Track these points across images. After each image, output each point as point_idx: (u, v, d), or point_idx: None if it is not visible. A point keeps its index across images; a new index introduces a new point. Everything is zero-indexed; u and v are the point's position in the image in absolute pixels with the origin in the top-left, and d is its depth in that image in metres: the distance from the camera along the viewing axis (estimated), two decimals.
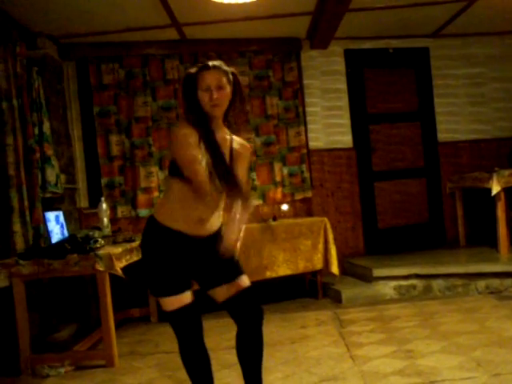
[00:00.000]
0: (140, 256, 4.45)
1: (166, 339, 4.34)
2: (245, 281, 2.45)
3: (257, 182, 5.78)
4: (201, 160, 2.23)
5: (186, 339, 2.38)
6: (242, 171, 2.46)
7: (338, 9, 4.89)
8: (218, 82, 2.30)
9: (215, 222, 2.44)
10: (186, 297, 2.34)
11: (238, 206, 2.21)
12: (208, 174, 2.25)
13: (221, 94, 2.30)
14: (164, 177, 5.43)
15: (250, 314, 2.43)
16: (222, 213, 2.47)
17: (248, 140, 2.64)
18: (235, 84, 2.38)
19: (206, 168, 2.25)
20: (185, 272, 2.38)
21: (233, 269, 2.45)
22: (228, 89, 2.34)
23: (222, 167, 2.26)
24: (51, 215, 4.25)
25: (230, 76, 2.36)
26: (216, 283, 2.45)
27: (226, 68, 2.36)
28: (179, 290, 2.33)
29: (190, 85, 2.35)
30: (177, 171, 2.30)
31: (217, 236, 2.41)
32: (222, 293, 2.44)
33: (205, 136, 2.28)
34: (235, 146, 2.48)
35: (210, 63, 2.34)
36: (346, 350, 3.64)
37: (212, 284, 2.46)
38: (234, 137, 2.50)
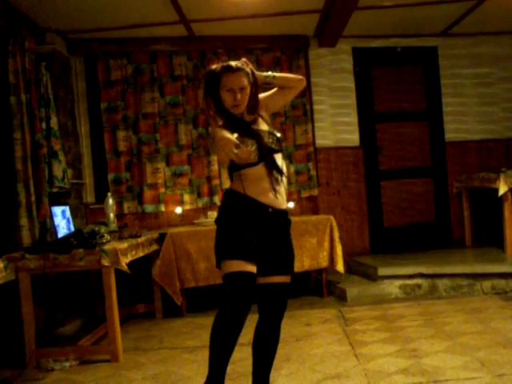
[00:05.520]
0: (148, 251, 4.52)
1: (171, 335, 4.37)
2: (288, 278, 2.61)
3: None
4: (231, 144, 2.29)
5: (234, 305, 2.35)
6: (280, 99, 2.74)
7: (346, 7, 4.88)
8: (241, 84, 2.48)
9: (281, 195, 2.56)
10: (249, 266, 2.40)
11: None
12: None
13: (242, 96, 2.49)
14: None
15: (277, 306, 2.58)
16: (285, 196, 2.62)
17: None
18: (254, 81, 2.55)
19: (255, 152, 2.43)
20: (251, 243, 2.45)
21: (289, 263, 2.60)
22: (248, 89, 2.52)
23: (265, 150, 2.47)
24: (58, 210, 4.26)
25: (251, 76, 2.53)
26: (271, 272, 2.55)
27: (247, 69, 2.53)
28: (245, 257, 2.40)
29: (212, 82, 2.51)
30: (234, 167, 2.49)
31: (283, 217, 2.61)
32: (268, 279, 2.55)
33: (243, 129, 2.45)
34: (261, 112, 2.64)
35: (234, 65, 2.51)
36: (350, 349, 3.63)
37: (268, 271, 2.53)
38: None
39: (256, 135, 2.47)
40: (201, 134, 5.68)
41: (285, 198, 2.62)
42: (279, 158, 2.56)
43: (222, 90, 2.49)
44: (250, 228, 2.47)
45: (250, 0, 4.61)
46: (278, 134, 2.59)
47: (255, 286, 2.44)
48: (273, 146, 2.53)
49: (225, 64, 2.52)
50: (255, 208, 2.49)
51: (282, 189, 2.57)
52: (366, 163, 6.18)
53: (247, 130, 2.47)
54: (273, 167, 2.49)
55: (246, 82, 2.50)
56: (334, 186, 6.09)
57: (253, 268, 2.41)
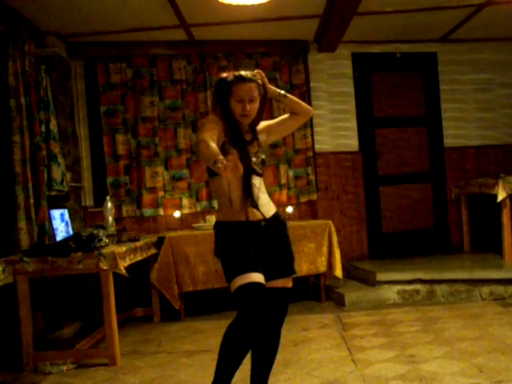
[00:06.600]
0: (147, 255, 4.52)
1: (169, 339, 4.36)
2: (289, 282, 2.65)
3: None
4: (208, 142, 2.32)
5: (245, 317, 2.36)
6: (285, 127, 2.78)
7: (346, 12, 4.89)
8: (251, 95, 2.52)
9: (264, 207, 2.58)
10: (256, 276, 2.42)
11: None
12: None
13: (252, 107, 2.53)
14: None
15: (278, 312, 2.63)
16: (271, 202, 2.67)
17: None
18: (264, 95, 2.59)
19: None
20: (253, 255, 2.48)
21: (289, 265, 2.64)
22: (258, 101, 2.56)
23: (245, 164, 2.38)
24: (56, 213, 4.26)
25: (261, 88, 2.55)
26: (272, 276, 2.56)
27: (258, 81, 2.55)
28: (249, 269, 2.42)
29: (223, 90, 2.54)
30: (212, 171, 2.45)
31: (276, 221, 2.62)
32: (269, 284, 2.55)
33: (234, 138, 2.51)
34: (262, 137, 2.67)
35: (245, 75, 2.54)
36: (348, 354, 3.63)
37: (268, 276, 2.54)
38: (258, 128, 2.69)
39: (244, 156, 2.45)
40: None
41: (270, 203, 2.64)
42: (257, 180, 2.56)
43: (232, 100, 2.52)
44: (249, 245, 2.50)
45: (251, 5, 4.62)
46: (263, 157, 2.61)
47: (265, 296, 2.44)
48: (255, 167, 2.54)
49: (237, 73, 2.55)
50: (248, 229, 2.52)
51: (262, 198, 2.57)
52: (365, 168, 6.19)
53: (240, 149, 2.47)
54: (245, 184, 2.50)
55: (256, 93, 2.53)
56: (333, 191, 6.09)
57: (258, 277, 2.42)
